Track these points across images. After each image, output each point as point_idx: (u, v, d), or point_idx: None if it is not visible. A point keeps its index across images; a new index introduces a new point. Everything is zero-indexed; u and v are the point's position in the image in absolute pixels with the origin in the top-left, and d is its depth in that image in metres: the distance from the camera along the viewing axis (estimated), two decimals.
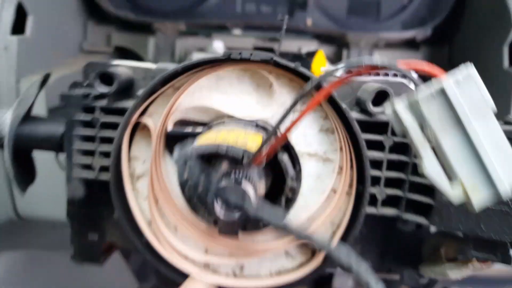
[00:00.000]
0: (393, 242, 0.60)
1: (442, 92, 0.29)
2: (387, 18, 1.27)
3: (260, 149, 0.39)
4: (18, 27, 0.97)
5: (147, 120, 0.54)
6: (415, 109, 0.30)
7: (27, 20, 0.98)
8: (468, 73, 0.29)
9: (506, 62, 0.96)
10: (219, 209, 0.46)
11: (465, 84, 0.29)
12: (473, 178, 0.30)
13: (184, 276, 0.57)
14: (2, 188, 1.02)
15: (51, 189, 1.00)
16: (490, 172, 0.29)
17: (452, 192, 0.30)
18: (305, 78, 0.51)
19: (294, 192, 0.54)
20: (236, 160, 0.40)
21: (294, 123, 0.37)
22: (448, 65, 1.28)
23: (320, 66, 1.13)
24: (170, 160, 0.56)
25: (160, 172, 0.55)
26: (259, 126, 0.53)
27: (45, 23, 1.04)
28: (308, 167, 0.55)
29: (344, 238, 0.55)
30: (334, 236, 0.56)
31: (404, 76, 0.53)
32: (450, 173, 0.31)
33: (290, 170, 0.51)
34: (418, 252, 0.60)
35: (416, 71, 0.32)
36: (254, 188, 0.45)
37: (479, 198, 0.30)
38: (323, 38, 1.23)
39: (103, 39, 1.35)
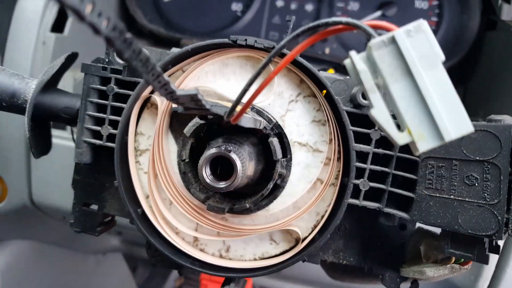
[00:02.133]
0: (376, 241, 0.61)
1: (393, 40, 0.32)
2: None
3: (233, 107, 0.42)
4: (58, 26, 1.06)
5: (155, 97, 0.59)
6: (370, 58, 0.33)
7: (67, 22, 1.08)
8: (418, 24, 0.32)
9: None
10: (206, 175, 0.49)
11: (416, 35, 0.32)
12: (420, 126, 0.32)
13: (173, 249, 0.60)
14: (21, 174, 1.08)
15: (66, 181, 1.06)
16: (436, 120, 0.32)
17: (397, 134, 0.32)
18: (305, 70, 0.55)
19: (283, 179, 0.57)
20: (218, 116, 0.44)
21: (267, 81, 0.40)
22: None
23: None
24: (171, 139, 0.60)
25: (161, 148, 0.59)
26: (254, 109, 0.57)
27: (83, 27, 1.13)
28: (299, 156, 0.58)
29: (325, 227, 0.57)
30: (318, 225, 0.58)
31: None
32: (399, 122, 0.33)
33: (278, 152, 0.54)
34: (401, 256, 0.61)
35: (377, 27, 0.35)
36: (242, 160, 0.49)
37: (425, 143, 0.32)
38: (339, 67, 1.28)
39: None
